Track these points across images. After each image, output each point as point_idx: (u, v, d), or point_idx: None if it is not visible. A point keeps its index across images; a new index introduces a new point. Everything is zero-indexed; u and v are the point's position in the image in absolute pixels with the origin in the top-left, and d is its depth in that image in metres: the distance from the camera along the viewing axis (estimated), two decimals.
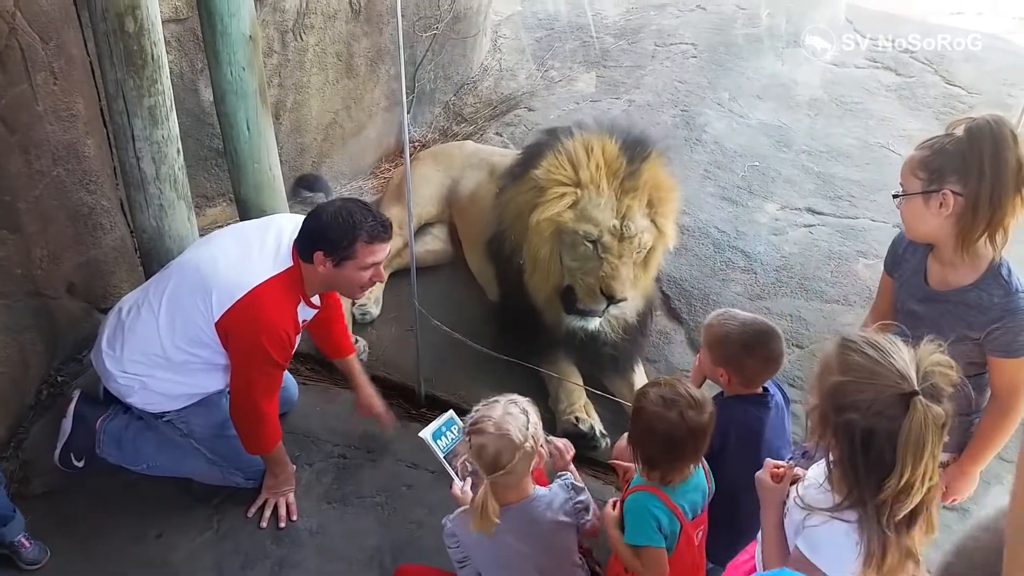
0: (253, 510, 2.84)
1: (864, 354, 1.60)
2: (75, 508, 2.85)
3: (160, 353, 2.66)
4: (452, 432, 2.52)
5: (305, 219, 2.61)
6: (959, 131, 2.05)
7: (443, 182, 3.98)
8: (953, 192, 2.05)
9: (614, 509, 2.17)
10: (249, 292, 2.54)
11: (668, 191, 3.09)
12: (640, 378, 3.34)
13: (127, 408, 2.89)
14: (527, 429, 2.13)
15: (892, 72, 5.50)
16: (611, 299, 3.00)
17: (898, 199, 2.17)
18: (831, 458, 1.67)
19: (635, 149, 3.01)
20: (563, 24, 6.06)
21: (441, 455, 2.47)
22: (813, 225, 4.24)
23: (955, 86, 5.35)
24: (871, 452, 1.56)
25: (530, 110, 5.20)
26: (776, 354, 2.28)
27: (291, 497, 2.87)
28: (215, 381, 2.77)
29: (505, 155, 4.08)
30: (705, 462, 2.19)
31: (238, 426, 2.72)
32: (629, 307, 3.19)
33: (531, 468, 2.20)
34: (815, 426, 1.68)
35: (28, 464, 2.98)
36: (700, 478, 2.16)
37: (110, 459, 2.88)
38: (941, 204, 2.07)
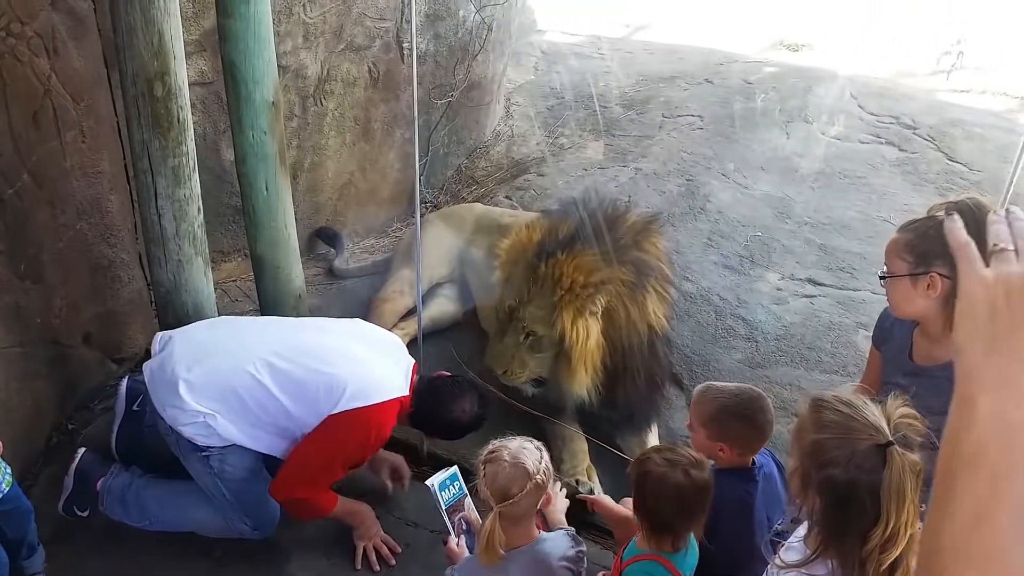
0: (358, 564, 2.88)
1: (837, 411, 1.67)
2: (77, 556, 2.88)
3: (245, 401, 2.69)
4: (454, 487, 2.57)
5: (441, 406, 2.85)
6: (941, 214, 2.13)
7: (454, 243, 4.08)
8: (940, 275, 2.11)
9: None
10: (377, 404, 2.70)
11: (571, 293, 3.09)
12: (653, 438, 3.40)
13: (128, 466, 2.95)
14: (540, 464, 2.21)
15: (895, 147, 5.61)
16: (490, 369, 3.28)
17: (884, 280, 2.24)
18: (813, 517, 1.71)
19: (550, 248, 3.17)
20: (574, 94, 6.24)
21: (444, 506, 2.52)
22: (814, 296, 4.30)
23: (957, 163, 5.45)
24: (853, 505, 1.61)
25: (540, 175, 5.34)
26: (770, 419, 2.32)
27: (382, 535, 2.94)
28: (272, 446, 2.80)
29: (514, 215, 4.20)
30: None
31: (292, 503, 2.77)
32: (576, 389, 3.26)
33: (537, 506, 2.25)
34: (797, 487, 1.73)
35: (34, 510, 3.02)
36: (693, 544, 2.18)
37: (113, 517, 2.90)
38: (928, 286, 2.13)
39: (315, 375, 2.69)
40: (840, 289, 4.35)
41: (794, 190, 5.14)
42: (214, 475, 2.78)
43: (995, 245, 0.91)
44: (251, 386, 2.68)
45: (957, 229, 0.94)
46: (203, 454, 2.76)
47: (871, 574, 1.62)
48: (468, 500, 2.56)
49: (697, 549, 2.19)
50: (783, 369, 3.84)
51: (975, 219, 2.03)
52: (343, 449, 2.73)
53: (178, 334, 2.86)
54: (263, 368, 2.69)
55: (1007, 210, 0.93)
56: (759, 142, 5.61)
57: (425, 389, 2.87)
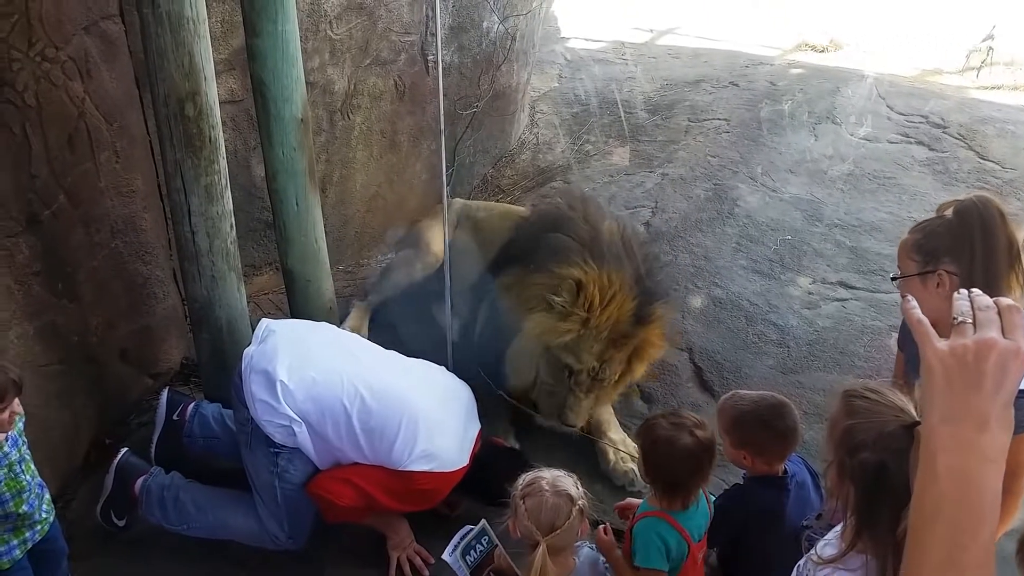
0: (392, 574, 2.90)
1: (865, 398, 1.67)
2: (113, 573, 2.91)
3: (328, 425, 2.74)
4: (483, 542, 2.44)
5: (495, 481, 2.66)
6: (948, 213, 2.12)
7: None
8: (948, 272, 2.11)
9: (607, 535, 2.33)
10: (440, 474, 2.75)
11: (652, 348, 3.33)
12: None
13: (168, 469, 2.99)
14: (578, 488, 2.21)
15: (925, 147, 5.55)
16: (565, 424, 3.28)
17: (896, 281, 2.24)
18: (849, 509, 1.68)
19: (643, 315, 3.21)
20: (598, 100, 6.25)
21: (468, 570, 2.38)
22: (846, 299, 4.26)
23: (989, 161, 5.38)
24: (884, 486, 1.58)
25: (566, 182, 5.34)
26: (792, 426, 2.31)
27: (415, 546, 2.95)
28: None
29: (490, 208, 4.18)
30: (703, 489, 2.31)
31: (323, 502, 2.79)
32: None
33: (577, 535, 2.21)
34: (833, 480, 1.71)
35: (72, 525, 3.05)
36: (704, 504, 2.30)
37: (152, 519, 2.93)
38: (938, 284, 2.13)
39: (395, 425, 2.72)
40: (872, 292, 4.30)
41: (823, 192, 5.10)
42: (275, 474, 2.79)
43: (955, 319, 1.01)
44: (338, 414, 2.72)
45: (911, 309, 1.05)
46: (274, 450, 2.78)
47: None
48: (500, 550, 2.42)
49: (707, 509, 2.29)
50: (816, 374, 3.80)
51: (980, 217, 2.03)
52: (394, 496, 2.77)
53: (281, 328, 2.88)
54: (355, 401, 2.73)
55: (969, 289, 1.03)
56: (787, 145, 5.58)
57: (484, 461, 2.89)
